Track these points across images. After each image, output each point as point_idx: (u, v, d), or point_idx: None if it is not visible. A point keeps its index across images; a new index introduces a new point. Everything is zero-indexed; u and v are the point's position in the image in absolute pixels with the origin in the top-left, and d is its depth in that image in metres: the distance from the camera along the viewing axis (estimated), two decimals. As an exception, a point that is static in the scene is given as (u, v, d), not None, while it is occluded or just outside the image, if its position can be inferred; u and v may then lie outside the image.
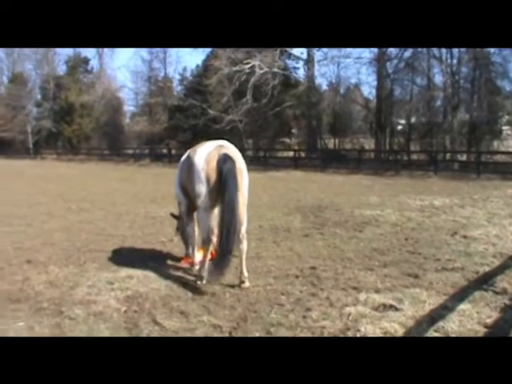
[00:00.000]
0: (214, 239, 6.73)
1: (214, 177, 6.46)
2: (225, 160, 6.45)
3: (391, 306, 5.78)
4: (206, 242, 6.92)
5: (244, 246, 6.82)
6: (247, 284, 6.73)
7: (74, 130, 58.46)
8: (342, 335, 4.99)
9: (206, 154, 6.62)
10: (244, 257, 6.83)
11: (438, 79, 36.54)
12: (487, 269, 7.56)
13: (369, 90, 56.16)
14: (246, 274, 6.79)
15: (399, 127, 42.58)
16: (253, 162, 30.93)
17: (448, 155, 32.64)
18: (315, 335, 5.03)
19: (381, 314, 5.59)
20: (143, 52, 55.41)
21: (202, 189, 6.59)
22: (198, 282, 6.87)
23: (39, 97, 63.49)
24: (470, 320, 5.30)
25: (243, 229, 6.75)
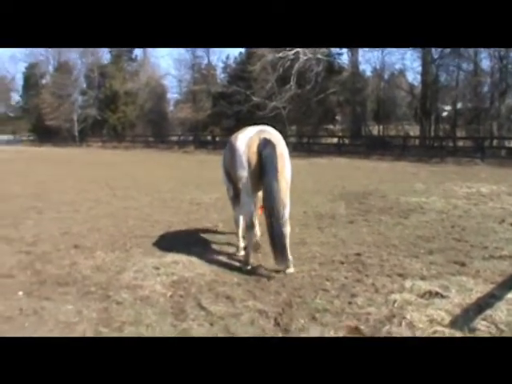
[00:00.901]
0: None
1: (254, 161, 6.52)
2: (265, 144, 6.48)
3: (437, 294, 5.70)
4: (249, 227, 7.00)
5: (287, 230, 6.78)
6: (292, 269, 6.72)
7: (118, 117, 59.26)
8: (387, 322, 4.96)
9: (247, 139, 6.70)
10: (287, 241, 6.76)
11: (485, 64, 35.81)
12: (536, 257, 7.39)
13: (413, 76, 55.43)
14: (290, 258, 6.75)
15: (445, 113, 41.85)
16: (296, 149, 30.93)
17: (495, 141, 31.98)
18: (360, 322, 5.01)
19: (427, 301, 5.52)
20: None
21: (243, 173, 6.68)
22: (244, 268, 6.93)
23: (84, 85, 64.47)
24: (518, 308, 5.22)
25: (286, 213, 6.71)
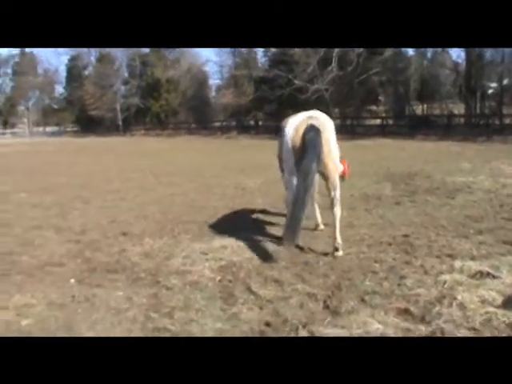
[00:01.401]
0: None
1: (299, 144, 6.68)
2: (310, 129, 6.62)
3: (488, 274, 5.61)
4: (293, 203, 6.92)
5: (337, 211, 6.93)
6: (340, 252, 6.76)
7: (161, 105, 59.82)
8: (437, 304, 4.93)
9: (295, 124, 6.88)
10: (337, 223, 6.86)
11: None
12: None
13: (457, 53, 54.21)
14: (339, 241, 6.80)
15: (490, 90, 40.98)
16: (340, 131, 30.58)
17: (544, 118, 31.30)
18: (410, 303, 5.00)
19: (478, 281, 5.44)
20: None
21: (288, 156, 6.90)
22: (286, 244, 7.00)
23: (126, 75, 65.13)
24: None
25: (337, 194, 6.92)
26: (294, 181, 6.81)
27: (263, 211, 9.89)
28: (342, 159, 7.34)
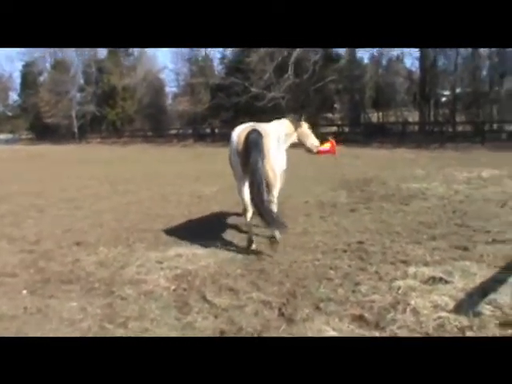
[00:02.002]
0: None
1: (242, 148, 7.14)
2: (252, 132, 7.09)
3: (441, 279, 5.69)
4: (244, 210, 7.53)
5: (274, 208, 7.33)
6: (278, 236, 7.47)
7: (117, 112, 59.23)
8: (391, 310, 4.96)
9: (240, 130, 7.40)
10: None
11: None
12: (539, 239, 7.39)
13: (411, 62, 55.29)
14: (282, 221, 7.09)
15: (444, 98, 41.78)
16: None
17: (495, 125, 32.02)
18: (364, 310, 5.02)
19: (431, 287, 5.52)
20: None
21: (235, 160, 7.35)
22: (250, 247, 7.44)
23: (82, 82, 64.17)
24: (522, 292, 5.22)
25: (275, 192, 7.40)
26: (241, 188, 7.36)
27: (219, 219, 9.84)
28: (329, 140, 8.96)
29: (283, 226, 7.01)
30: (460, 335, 4.35)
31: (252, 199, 6.94)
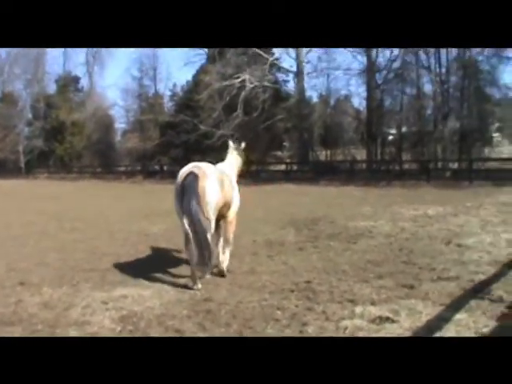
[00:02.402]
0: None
1: (180, 189, 7.56)
2: (187, 175, 7.52)
3: (388, 319, 5.71)
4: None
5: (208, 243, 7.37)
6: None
7: (65, 148, 58.62)
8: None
9: (180, 173, 7.75)
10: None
11: (428, 88, 36.92)
12: (482, 277, 7.51)
13: (359, 101, 56.12)
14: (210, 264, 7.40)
15: (390, 137, 42.70)
16: (243, 176, 30.91)
17: (440, 164, 32.84)
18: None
19: (378, 326, 5.52)
20: (133, 70, 55.92)
21: (176, 200, 7.69)
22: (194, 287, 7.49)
23: (30, 116, 63.49)
24: (467, 330, 5.25)
25: (208, 235, 7.35)
26: (184, 224, 7.44)
27: (165, 258, 9.72)
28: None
29: (204, 268, 7.40)
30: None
31: (194, 239, 7.28)
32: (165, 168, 48.89)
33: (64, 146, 58.49)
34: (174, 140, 45.81)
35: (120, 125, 64.62)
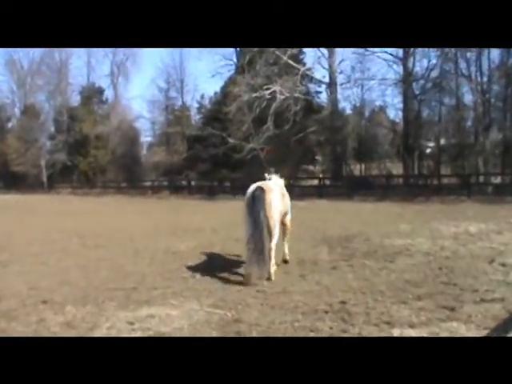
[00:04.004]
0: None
1: (249, 200, 9.47)
2: (256, 189, 9.58)
3: (428, 342, 5.65)
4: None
5: (272, 254, 9.50)
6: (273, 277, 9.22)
7: (89, 162, 59.31)
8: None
9: (250, 188, 9.79)
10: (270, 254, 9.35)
11: (468, 98, 36.63)
12: (529, 299, 7.38)
13: (395, 113, 55.95)
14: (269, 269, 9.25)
15: (428, 150, 42.43)
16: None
17: (481, 178, 32.38)
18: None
19: (417, 350, 5.46)
20: (159, 81, 56.59)
21: (245, 210, 9.49)
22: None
23: (52, 129, 64.48)
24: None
25: (274, 240, 9.65)
26: (249, 229, 9.23)
27: (194, 277, 9.72)
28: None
29: (260, 272, 8.99)
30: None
31: (253, 239, 9.06)
32: (192, 183, 49.14)
33: (88, 160, 59.24)
34: (201, 154, 46.13)
35: (146, 138, 65.47)
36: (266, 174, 11.39)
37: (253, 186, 9.79)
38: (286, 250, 11.00)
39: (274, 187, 10.13)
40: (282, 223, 10.57)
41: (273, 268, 9.42)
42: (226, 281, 9.27)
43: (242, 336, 4.47)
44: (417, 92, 38.00)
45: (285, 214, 10.66)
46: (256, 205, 9.31)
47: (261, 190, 9.54)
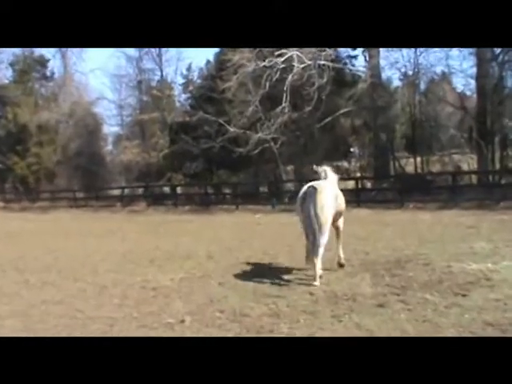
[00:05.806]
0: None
1: (302, 198, 13.21)
2: (309, 187, 13.16)
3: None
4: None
5: (321, 251, 12.63)
6: (317, 283, 12.04)
7: (29, 164, 58.80)
8: None
9: (303, 188, 13.48)
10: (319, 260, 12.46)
11: None
12: None
13: (464, 82, 55.65)
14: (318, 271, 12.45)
15: (514, 135, 41.85)
16: (294, 199, 30.92)
17: None
18: None
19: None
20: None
21: (298, 208, 13.59)
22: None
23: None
24: None
25: (324, 238, 12.71)
26: (303, 226, 13.14)
27: (184, 321, 9.60)
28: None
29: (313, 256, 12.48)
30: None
31: (310, 241, 12.65)
32: (178, 190, 49.12)
33: (27, 160, 58.79)
34: (189, 149, 45.80)
35: (111, 128, 65.20)
36: (315, 166, 15.01)
37: (306, 186, 13.41)
38: (341, 254, 14.19)
39: (328, 187, 13.53)
40: (335, 226, 13.93)
41: (319, 272, 12.32)
42: (226, 328, 9.13)
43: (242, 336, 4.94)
44: (497, 52, 37.18)
45: (338, 215, 13.83)
46: (307, 202, 12.84)
47: (313, 188, 13.03)
